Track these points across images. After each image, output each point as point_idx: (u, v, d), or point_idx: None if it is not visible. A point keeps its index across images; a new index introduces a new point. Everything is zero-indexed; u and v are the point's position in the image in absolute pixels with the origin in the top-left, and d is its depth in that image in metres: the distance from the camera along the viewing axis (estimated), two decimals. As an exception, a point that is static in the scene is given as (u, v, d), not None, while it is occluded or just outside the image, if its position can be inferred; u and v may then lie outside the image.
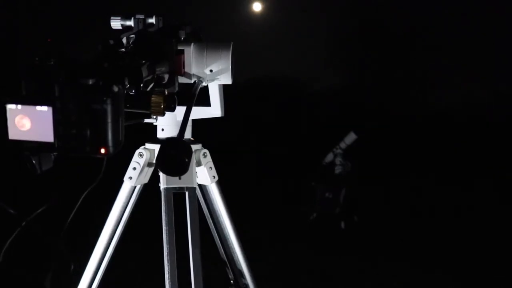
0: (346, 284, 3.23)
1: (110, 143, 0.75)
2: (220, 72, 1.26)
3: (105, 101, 0.73)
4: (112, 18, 1.20)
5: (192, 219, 1.30)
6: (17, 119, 0.75)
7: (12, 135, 0.76)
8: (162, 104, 1.05)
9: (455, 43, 5.73)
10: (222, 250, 1.59)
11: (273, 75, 6.22)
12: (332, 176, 4.62)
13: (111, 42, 1.09)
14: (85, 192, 1.19)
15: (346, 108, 5.80)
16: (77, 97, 0.73)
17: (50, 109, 0.74)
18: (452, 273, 3.37)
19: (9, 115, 0.75)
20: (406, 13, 5.73)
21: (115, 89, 0.75)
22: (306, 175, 4.90)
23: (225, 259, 1.60)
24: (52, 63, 0.74)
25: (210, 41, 1.28)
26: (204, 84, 1.27)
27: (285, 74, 6.28)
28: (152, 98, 1.04)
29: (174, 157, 0.96)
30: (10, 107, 0.75)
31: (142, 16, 1.24)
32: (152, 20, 1.25)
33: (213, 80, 1.28)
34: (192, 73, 1.25)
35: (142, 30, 1.19)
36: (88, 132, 0.74)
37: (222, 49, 1.25)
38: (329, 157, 4.66)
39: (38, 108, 0.74)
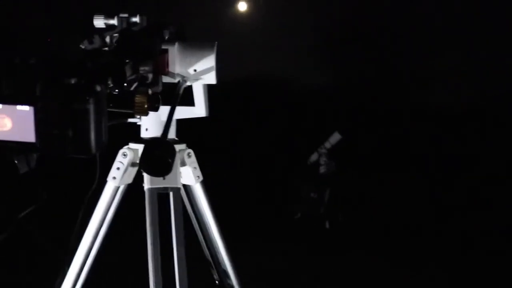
0: (331, 283, 3.25)
1: (92, 143, 0.74)
2: (204, 72, 1.26)
3: (88, 101, 0.72)
4: (95, 16, 1.19)
5: (176, 219, 1.29)
6: (-3, 119, 0.74)
7: (-8, 135, 0.75)
8: (145, 104, 1.04)
9: (445, 42, 5.79)
10: (207, 251, 1.58)
11: (258, 75, 6.22)
12: (317, 176, 4.64)
13: (95, 41, 1.08)
14: (87, 198, 1.17)
15: (331, 108, 5.84)
16: (59, 96, 0.72)
17: (32, 108, 0.73)
18: (440, 271, 3.40)
19: (-11, 114, 0.74)
20: (395, 12, 5.78)
21: (98, 88, 0.75)
22: (291, 174, 4.91)
23: (210, 259, 1.59)
24: (33, 62, 0.73)
25: (194, 41, 1.28)
26: (188, 83, 1.27)
27: (270, 73, 6.28)
28: (136, 98, 1.04)
29: (157, 157, 0.96)
30: (-11, 106, 0.74)
31: (126, 15, 1.24)
32: (136, 19, 1.25)
33: (197, 79, 1.28)
34: (176, 72, 1.25)
35: (126, 29, 1.18)
36: (70, 132, 0.73)
37: (206, 48, 1.25)
38: (314, 156, 4.68)
39: (19, 107, 0.73)
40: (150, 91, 1.06)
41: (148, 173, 1.05)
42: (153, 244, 1.26)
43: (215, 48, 1.26)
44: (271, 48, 5.91)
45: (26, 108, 0.73)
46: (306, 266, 3.50)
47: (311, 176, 4.65)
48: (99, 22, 1.19)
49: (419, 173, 5.50)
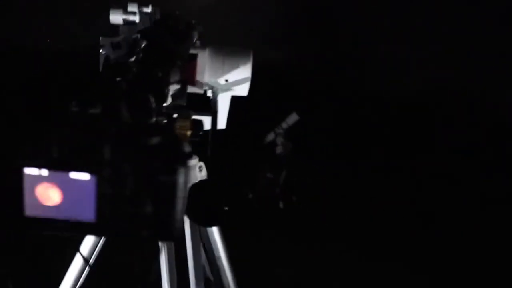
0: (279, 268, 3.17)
1: (176, 224, 0.54)
2: (236, 83, 1.06)
3: (176, 172, 0.52)
4: (112, 10, 0.94)
5: (195, 258, 1.08)
6: (40, 189, 0.51)
7: (31, 210, 0.52)
8: (188, 130, 0.83)
9: (410, 29, 5.77)
10: (209, 271, 1.41)
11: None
12: (273, 157, 4.54)
13: (121, 46, 0.84)
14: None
15: (289, 88, 5.71)
16: (136, 163, 0.51)
17: (94, 177, 0.51)
18: (383, 255, 3.44)
19: (27, 183, 0.51)
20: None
21: (187, 150, 0.54)
22: (247, 155, 4.77)
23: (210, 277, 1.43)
24: (98, 110, 0.51)
25: (226, 45, 1.06)
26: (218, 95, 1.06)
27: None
28: (178, 123, 0.82)
29: (208, 205, 0.77)
30: (29, 172, 0.51)
31: (134, 9, 1.00)
32: (147, 10, 1.02)
33: (227, 91, 1.07)
34: (204, 82, 1.03)
35: (150, 30, 0.94)
36: (148, 210, 0.53)
37: (241, 56, 1.05)
38: (270, 136, 4.57)
39: (73, 175, 0.51)
40: (192, 115, 0.84)
41: (197, 223, 0.85)
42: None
43: (251, 56, 1.05)
44: (221, 21, 5.59)
45: (84, 176, 0.51)
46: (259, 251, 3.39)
47: (267, 156, 4.53)
48: (117, 17, 0.94)
49: (375, 155, 5.57)
